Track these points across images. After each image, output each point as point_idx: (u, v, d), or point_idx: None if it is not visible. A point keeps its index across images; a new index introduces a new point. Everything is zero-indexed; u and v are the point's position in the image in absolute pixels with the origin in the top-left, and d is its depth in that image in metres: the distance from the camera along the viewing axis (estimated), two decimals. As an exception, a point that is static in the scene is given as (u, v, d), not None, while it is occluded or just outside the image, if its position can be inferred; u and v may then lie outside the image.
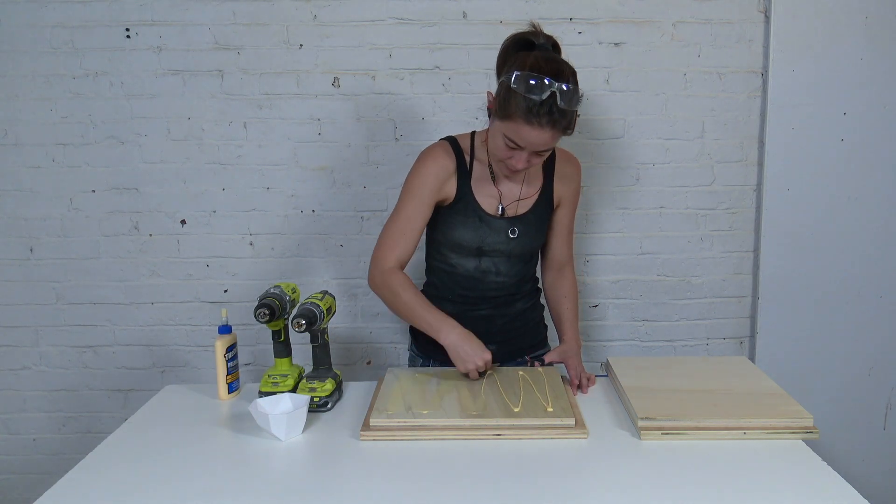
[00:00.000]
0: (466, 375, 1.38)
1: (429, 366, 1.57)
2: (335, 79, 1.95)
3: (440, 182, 1.44)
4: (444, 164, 1.44)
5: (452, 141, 1.48)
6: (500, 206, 1.46)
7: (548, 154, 1.35)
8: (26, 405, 2.13)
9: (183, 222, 2.03)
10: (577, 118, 1.32)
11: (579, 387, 1.42)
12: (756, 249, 2.06)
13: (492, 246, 1.47)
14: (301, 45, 1.93)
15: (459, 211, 1.46)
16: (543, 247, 1.61)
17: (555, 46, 1.35)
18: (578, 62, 1.92)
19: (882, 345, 2.09)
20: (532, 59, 1.26)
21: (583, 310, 2.10)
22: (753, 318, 2.09)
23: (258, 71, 1.94)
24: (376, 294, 1.45)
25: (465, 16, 1.92)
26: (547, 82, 1.23)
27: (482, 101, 1.95)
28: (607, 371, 1.50)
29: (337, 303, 1.47)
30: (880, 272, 2.05)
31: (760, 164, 2.01)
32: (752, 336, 2.10)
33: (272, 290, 1.38)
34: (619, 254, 2.06)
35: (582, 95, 1.29)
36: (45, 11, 1.90)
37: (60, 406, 2.13)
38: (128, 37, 1.92)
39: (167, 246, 2.04)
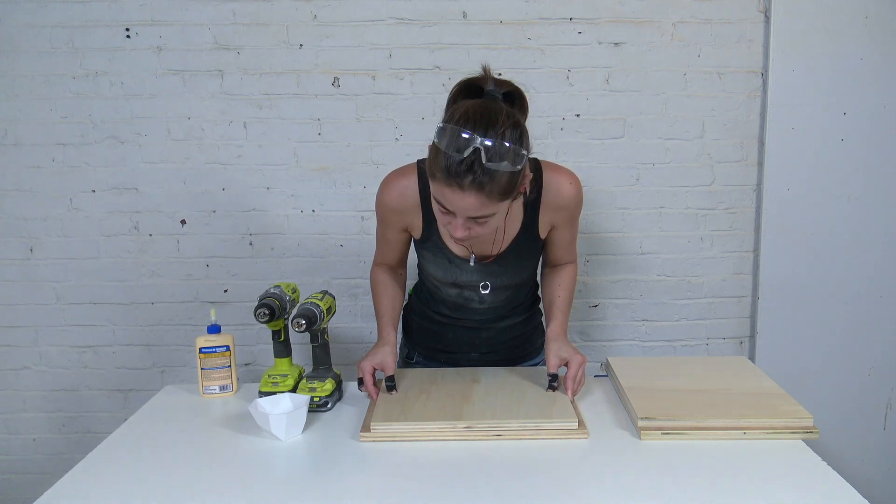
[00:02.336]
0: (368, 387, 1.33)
1: (412, 358, 1.58)
2: (335, 79, 1.95)
3: (399, 216, 1.34)
4: (401, 202, 1.31)
5: (422, 168, 1.30)
6: (472, 256, 1.34)
7: (491, 220, 1.13)
8: (26, 405, 2.13)
9: (183, 222, 2.03)
10: (528, 175, 1.15)
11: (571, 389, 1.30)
12: (756, 249, 2.06)
13: (467, 282, 1.39)
14: (301, 45, 1.93)
15: (428, 248, 1.36)
16: (543, 256, 1.48)
17: (509, 95, 1.16)
18: (578, 62, 1.95)
19: (882, 345, 2.09)
20: (463, 109, 1.08)
21: (583, 310, 2.10)
22: (753, 318, 2.09)
23: (258, 71, 1.94)
24: None
25: (465, 16, 1.92)
26: (467, 136, 1.03)
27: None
28: (607, 371, 1.50)
29: (337, 303, 1.47)
30: (880, 272, 2.05)
31: (760, 164, 2.01)
32: (752, 336, 2.10)
33: (272, 290, 1.38)
34: (619, 254, 2.06)
35: (524, 155, 1.08)
36: (45, 11, 1.90)
37: (60, 406, 2.13)
38: (128, 37, 1.92)
39: (167, 246, 2.04)
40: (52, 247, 2.03)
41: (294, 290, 1.44)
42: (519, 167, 1.08)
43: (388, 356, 1.33)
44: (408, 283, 1.54)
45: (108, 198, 2.01)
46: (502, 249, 1.35)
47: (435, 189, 1.12)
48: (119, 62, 1.93)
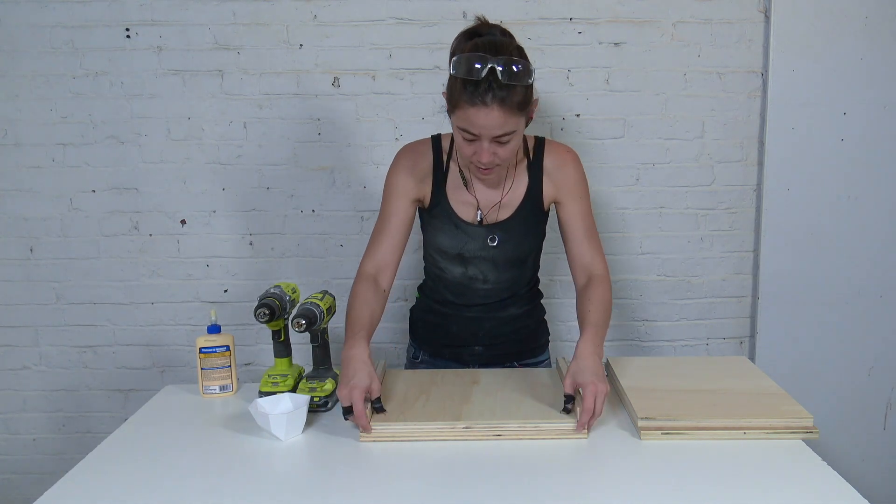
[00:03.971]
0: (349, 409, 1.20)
1: (418, 357, 1.58)
2: (335, 79, 1.95)
3: (412, 179, 1.39)
4: (415, 163, 1.40)
5: (436, 139, 1.43)
6: (479, 213, 1.40)
7: (511, 141, 1.24)
8: (26, 405, 2.13)
9: (183, 222, 2.03)
10: (536, 98, 1.27)
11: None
12: (756, 249, 2.06)
13: (473, 253, 1.41)
14: (301, 45, 1.93)
15: (436, 216, 1.41)
16: (566, 252, 1.46)
17: (504, 33, 1.30)
18: (578, 62, 1.95)
19: (882, 345, 2.09)
20: (471, 45, 1.23)
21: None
22: (753, 318, 2.09)
23: (258, 71, 1.94)
24: None
25: (465, 16, 1.92)
26: (481, 62, 1.18)
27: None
28: (607, 371, 1.50)
29: (337, 303, 1.47)
30: (880, 272, 2.05)
31: (760, 164, 2.01)
32: (752, 336, 2.10)
33: (272, 290, 1.38)
34: (619, 254, 2.06)
35: (532, 71, 1.21)
36: (45, 11, 1.90)
37: (60, 406, 2.13)
38: (128, 37, 1.92)
39: (167, 246, 2.04)
40: (52, 247, 2.03)
41: (294, 290, 1.44)
42: (530, 81, 1.21)
43: (372, 379, 1.20)
44: (411, 283, 1.54)
45: (108, 198, 2.01)
46: (510, 215, 1.40)
47: (459, 118, 1.22)
48: (119, 62, 1.93)
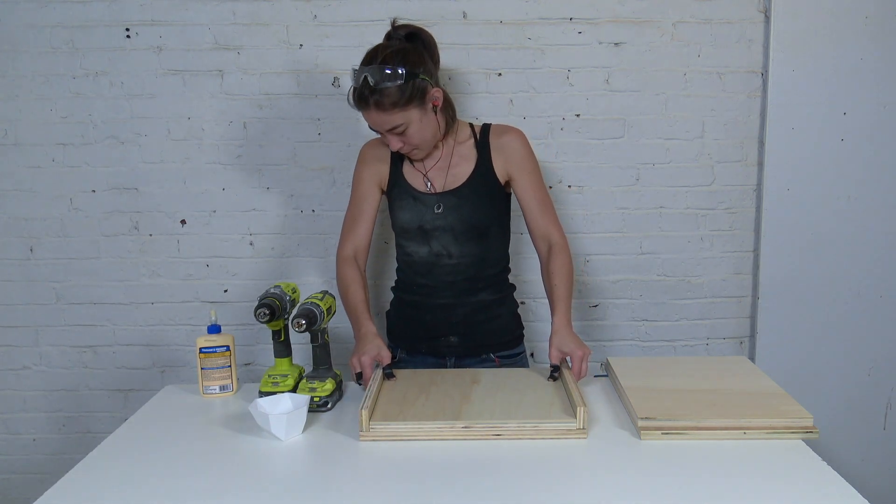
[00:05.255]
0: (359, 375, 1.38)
1: (396, 356, 1.60)
2: (335, 79, 1.95)
3: (374, 163, 1.58)
4: (376, 149, 1.58)
5: None
6: (427, 182, 1.53)
7: (410, 129, 1.41)
8: (26, 405, 2.13)
9: (183, 222, 2.03)
10: (433, 88, 1.41)
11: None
12: (756, 249, 2.06)
13: (431, 223, 1.52)
14: (301, 45, 1.93)
15: (396, 195, 1.56)
16: (527, 226, 1.58)
17: (411, 35, 1.45)
18: (578, 62, 1.95)
19: (882, 345, 2.09)
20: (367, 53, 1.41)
21: (583, 310, 2.10)
22: (753, 318, 2.09)
23: (258, 71, 1.94)
24: None
25: (465, 16, 1.92)
26: (356, 70, 1.38)
27: (481, 101, 1.95)
28: (607, 371, 1.50)
29: (337, 303, 1.47)
30: (880, 272, 2.05)
31: (760, 164, 2.01)
32: (752, 336, 2.10)
33: (272, 290, 1.39)
34: (619, 254, 2.06)
35: (403, 73, 1.35)
36: (45, 11, 1.90)
37: (60, 406, 2.13)
38: (128, 37, 1.92)
39: (167, 246, 2.04)
40: (52, 247, 2.03)
41: (294, 290, 1.45)
42: (400, 81, 1.35)
43: (382, 347, 1.41)
44: (387, 282, 1.56)
45: (108, 198, 2.01)
46: (461, 184, 1.52)
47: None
48: (119, 62, 1.93)
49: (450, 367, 1.58)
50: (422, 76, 1.39)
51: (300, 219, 2.03)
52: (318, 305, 1.34)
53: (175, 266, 2.05)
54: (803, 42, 1.92)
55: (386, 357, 1.40)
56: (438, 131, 1.49)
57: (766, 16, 1.93)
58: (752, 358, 2.08)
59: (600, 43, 1.94)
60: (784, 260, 2.03)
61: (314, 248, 2.05)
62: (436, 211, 1.51)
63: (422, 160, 1.54)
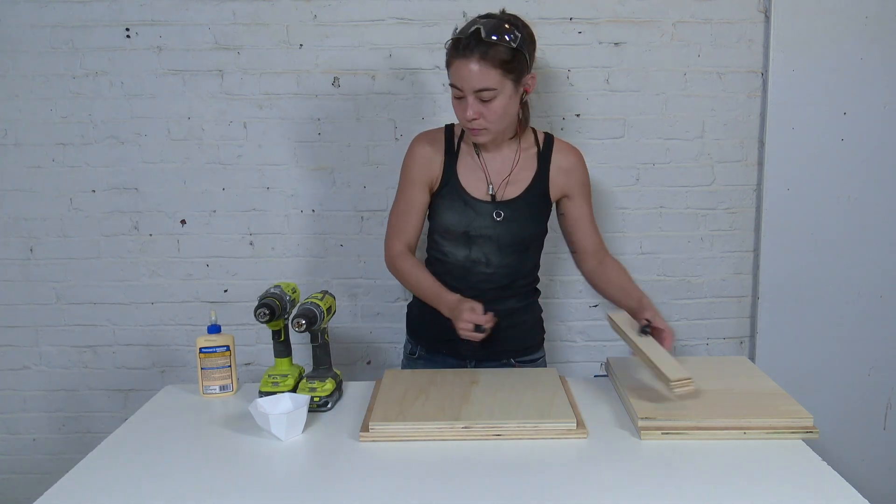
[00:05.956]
0: (464, 343, 1.37)
1: (415, 353, 1.59)
2: (335, 79, 1.95)
3: (426, 163, 1.49)
4: (428, 146, 1.50)
5: (448, 126, 1.54)
6: (490, 185, 1.47)
7: (495, 101, 1.33)
8: (26, 405, 2.13)
9: (183, 222, 2.03)
10: (532, 74, 1.37)
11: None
12: (756, 249, 2.06)
13: (478, 231, 1.47)
14: (301, 45, 1.93)
15: (445, 195, 1.49)
16: (572, 243, 1.58)
17: (513, 20, 1.37)
18: (578, 62, 1.95)
19: (882, 345, 2.09)
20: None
21: (583, 310, 2.10)
22: (753, 318, 2.09)
23: (258, 71, 1.94)
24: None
25: (465, 16, 1.92)
26: (470, 23, 1.32)
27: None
28: (607, 371, 1.50)
29: (337, 303, 1.47)
30: (880, 272, 2.05)
31: (760, 164, 2.01)
32: (752, 336, 2.10)
33: (272, 290, 1.38)
34: (619, 254, 2.06)
35: (520, 37, 1.30)
36: (45, 11, 1.90)
37: (60, 406, 2.13)
38: (128, 37, 1.92)
39: (167, 246, 2.04)
40: (52, 247, 2.03)
41: (294, 290, 1.44)
42: (515, 45, 1.30)
43: (474, 304, 1.34)
44: None
45: (108, 198, 2.01)
46: (517, 195, 1.48)
47: (450, 75, 1.35)
48: (119, 62, 1.93)
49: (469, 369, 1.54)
50: (527, 55, 1.35)
51: (300, 219, 2.03)
52: (318, 305, 1.34)
53: (175, 266, 2.05)
54: (803, 42, 1.92)
55: (478, 307, 1.34)
56: (514, 124, 1.45)
57: (766, 16, 1.93)
58: (752, 358, 2.08)
59: (600, 43, 1.94)
60: (784, 260, 2.03)
61: (314, 248, 2.05)
62: (495, 219, 1.46)
63: (484, 148, 1.47)
